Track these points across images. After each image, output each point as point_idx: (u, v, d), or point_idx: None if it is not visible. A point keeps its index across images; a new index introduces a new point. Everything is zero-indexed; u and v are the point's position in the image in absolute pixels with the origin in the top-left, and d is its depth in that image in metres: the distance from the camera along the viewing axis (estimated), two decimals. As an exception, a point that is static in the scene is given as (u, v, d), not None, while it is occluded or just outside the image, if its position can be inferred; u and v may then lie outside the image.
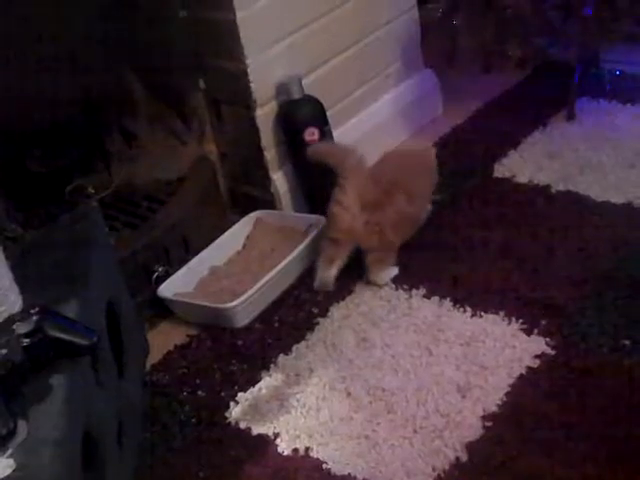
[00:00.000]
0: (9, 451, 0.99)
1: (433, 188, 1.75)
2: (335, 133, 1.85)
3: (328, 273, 1.60)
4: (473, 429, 1.28)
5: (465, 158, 1.97)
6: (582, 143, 1.94)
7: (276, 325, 1.57)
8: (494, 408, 1.31)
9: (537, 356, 1.39)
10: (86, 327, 1.14)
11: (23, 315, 1.10)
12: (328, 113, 1.83)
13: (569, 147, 1.93)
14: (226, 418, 1.39)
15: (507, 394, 1.33)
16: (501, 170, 1.90)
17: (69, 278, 1.28)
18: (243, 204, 1.88)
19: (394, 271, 1.63)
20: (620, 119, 1.99)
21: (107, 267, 1.42)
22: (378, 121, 2.01)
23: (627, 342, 1.37)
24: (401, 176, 1.65)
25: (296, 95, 1.78)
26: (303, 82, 1.79)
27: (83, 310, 1.23)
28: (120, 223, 1.77)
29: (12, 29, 1.61)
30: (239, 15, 1.68)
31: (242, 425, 1.37)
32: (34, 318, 1.09)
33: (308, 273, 1.67)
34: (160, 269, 1.65)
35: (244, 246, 1.78)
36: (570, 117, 2.04)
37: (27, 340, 1.07)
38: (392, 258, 1.63)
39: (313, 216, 1.76)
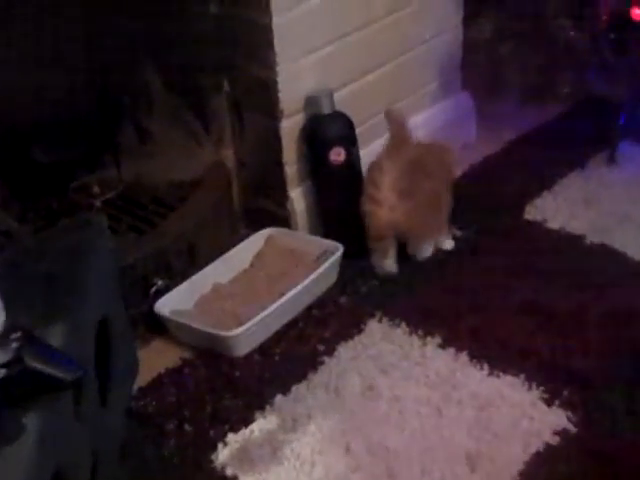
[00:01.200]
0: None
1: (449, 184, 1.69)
2: (361, 152, 1.73)
3: (387, 262, 1.60)
4: (481, 509, 1.17)
5: (495, 194, 1.85)
6: (622, 192, 1.82)
7: (277, 359, 1.46)
8: (505, 486, 1.20)
9: (557, 432, 1.27)
10: (70, 359, 1.03)
11: (2, 341, 0.99)
12: (357, 130, 1.71)
13: (608, 195, 1.81)
14: (212, 462, 1.27)
15: (520, 473, 1.22)
16: (532, 212, 1.78)
17: (60, 293, 1.17)
18: (256, 219, 1.76)
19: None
20: (666, 169, 1.87)
21: (105, 280, 1.30)
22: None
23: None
24: (422, 158, 1.62)
25: (326, 110, 1.66)
26: (334, 96, 1.67)
27: (71, 332, 1.11)
28: (124, 226, 1.66)
29: (29, 14, 1.50)
30: (275, 19, 1.56)
31: (229, 472, 1.26)
32: (14, 345, 0.98)
33: (316, 304, 1.56)
34: (160, 282, 1.54)
35: (252, 265, 1.67)
36: (611, 161, 1.92)
37: (3, 371, 0.96)
38: (430, 233, 1.64)
39: (329, 242, 1.65)
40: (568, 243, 1.68)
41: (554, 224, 1.74)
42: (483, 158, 1.98)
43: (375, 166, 1.60)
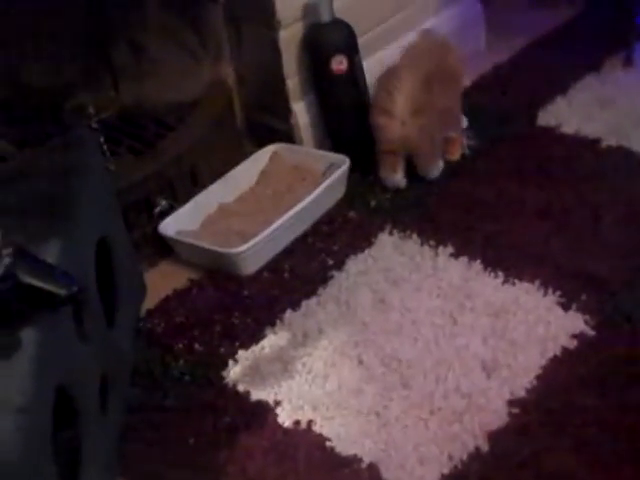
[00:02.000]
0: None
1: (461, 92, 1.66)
2: (364, 63, 1.67)
3: (396, 177, 1.56)
4: (497, 415, 1.14)
5: (506, 101, 1.79)
6: (639, 92, 1.74)
7: (286, 276, 1.42)
8: (522, 393, 1.17)
9: (574, 336, 1.24)
10: (66, 274, 1.00)
11: (-7, 256, 0.95)
12: (359, 40, 1.64)
13: (624, 96, 1.74)
14: (223, 378, 1.25)
15: (538, 377, 1.19)
16: (546, 118, 1.71)
17: (54, 211, 1.13)
18: (259, 135, 1.71)
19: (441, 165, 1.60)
20: (684, 68, 1.80)
21: (101, 199, 1.27)
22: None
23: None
24: (433, 67, 1.55)
25: (325, 18, 1.59)
26: (334, 4, 1.60)
27: (67, 249, 1.08)
28: (124, 148, 1.62)
29: None
30: None
31: (240, 388, 1.23)
32: (6, 261, 0.95)
33: (324, 219, 1.52)
34: (163, 203, 1.50)
35: (257, 182, 1.63)
36: (628, 62, 1.84)
37: (-5, 286, 0.93)
38: (439, 151, 1.59)
39: (335, 155, 1.59)
40: (583, 147, 1.62)
41: (568, 129, 1.67)
42: (493, 66, 1.90)
43: (391, 75, 1.52)
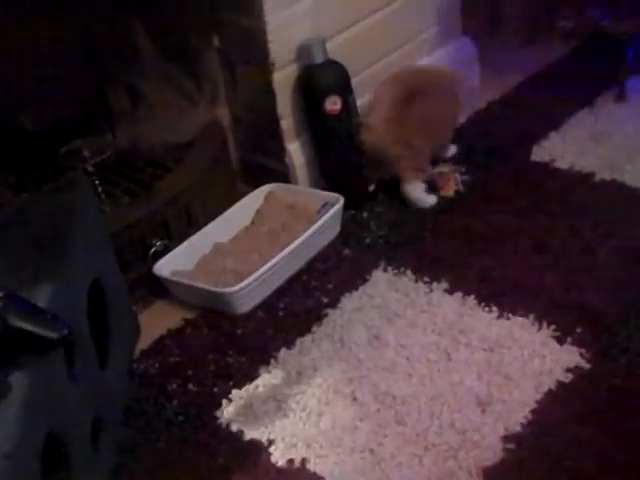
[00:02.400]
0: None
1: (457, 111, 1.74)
2: (359, 102, 1.68)
3: (420, 196, 1.62)
4: (492, 451, 1.13)
5: (500, 137, 1.80)
6: (632, 126, 1.75)
7: (280, 314, 1.42)
8: (517, 428, 1.16)
9: (569, 369, 1.23)
10: (56, 317, 1.00)
11: (-18, 301, 0.96)
12: (353, 81, 1.66)
13: (617, 130, 1.75)
14: (217, 418, 1.24)
15: (533, 412, 1.18)
16: (540, 153, 1.72)
17: (46, 254, 1.14)
18: (255, 176, 1.72)
19: (430, 199, 1.62)
20: (676, 102, 1.81)
21: (94, 241, 1.28)
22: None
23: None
24: (421, 81, 1.66)
25: (318, 59, 1.60)
26: (327, 45, 1.62)
27: (59, 292, 1.09)
28: (119, 190, 1.63)
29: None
30: (259, -34, 1.51)
31: (234, 427, 1.23)
32: (-6, 303, 0.95)
33: (319, 257, 1.52)
34: (158, 244, 1.51)
35: (253, 222, 1.63)
36: (620, 97, 1.85)
37: (-17, 330, 0.93)
38: (423, 168, 1.62)
39: (329, 194, 1.60)
40: (577, 181, 1.63)
41: (563, 164, 1.68)
42: (487, 103, 1.93)
43: (372, 94, 1.63)
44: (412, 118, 1.58)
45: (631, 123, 1.77)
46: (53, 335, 0.97)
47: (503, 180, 1.66)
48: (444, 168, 1.68)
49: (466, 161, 1.70)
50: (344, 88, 1.63)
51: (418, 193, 1.61)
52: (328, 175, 1.67)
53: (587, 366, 1.23)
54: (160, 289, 1.50)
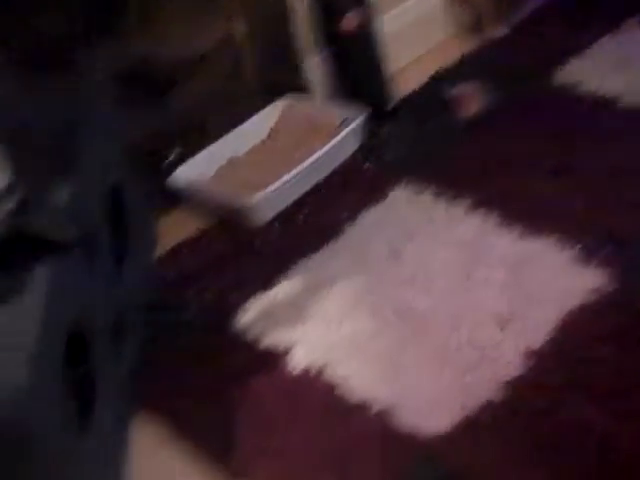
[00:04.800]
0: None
1: None
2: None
3: None
4: (511, 367, 1.12)
5: (523, 61, 1.75)
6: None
7: (298, 227, 1.40)
8: (538, 345, 1.15)
9: (593, 290, 1.21)
10: (67, 221, 0.98)
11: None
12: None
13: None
14: (236, 324, 1.23)
15: (554, 330, 1.17)
16: (563, 77, 1.68)
17: (65, 158, 1.11)
18: (271, 91, 1.68)
19: None
20: None
21: (109, 149, 1.25)
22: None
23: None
24: None
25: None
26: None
27: (75, 196, 1.06)
28: (134, 101, 1.58)
29: None
30: None
31: (253, 333, 1.22)
32: (6, 208, 0.93)
33: (338, 171, 1.49)
34: (174, 153, 1.48)
35: (269, 136, 1.60)
36: None
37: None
38: None
39: (351, 108, 1.57)
40: (602, 105, 1.59)
41: (586, 87, 1.64)
42: (510, 28, 1.87)
43: None
44: None
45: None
46: (64, 237, 0.95)
47: (525, 103, 1.63)
48: (466, 87, 1.64)
49: (488, 83, 1.66)
50: (362, 3, 1.57)
51: None
52: (349, 88, 1.62)
53: (611, 288, 1.22)
54: (177, 199, 1.47)
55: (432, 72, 1.73)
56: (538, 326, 1.17)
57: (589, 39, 1.78)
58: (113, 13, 1.68)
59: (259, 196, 1.38)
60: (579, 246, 1.28)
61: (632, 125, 1.53)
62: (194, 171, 1.49)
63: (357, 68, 1.61)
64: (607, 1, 1.88)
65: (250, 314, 1.25)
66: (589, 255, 1.27)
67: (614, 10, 1.85)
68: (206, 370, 1.17)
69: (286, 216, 1.42)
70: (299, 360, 1.17)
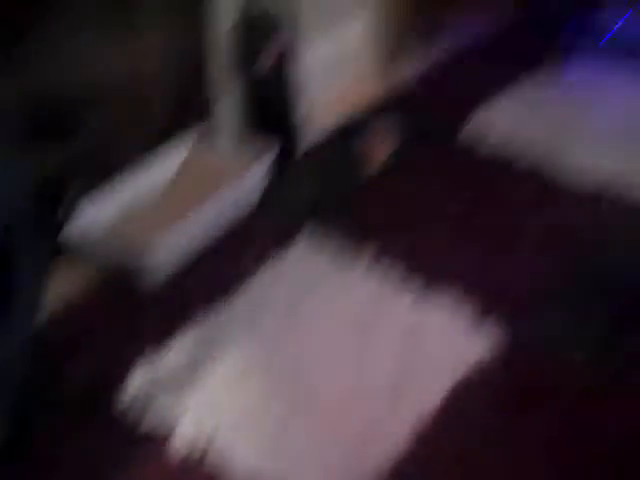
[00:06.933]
0: None
1: None
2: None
3: None
4: (402, 440, 1.11)
5: (435, 106, 1.76)
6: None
7: (193, 283, 1.36)
8: (426, 417, 1.14)
9: (480, 360, 1.21)
10: None
11: None
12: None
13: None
14: (118, 396, 1.18)
15: (443, 401, 1.16)
16: (472, 129, 1.69)
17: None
18: (179, 129, 1.64)
19: None
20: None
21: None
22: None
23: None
24: None
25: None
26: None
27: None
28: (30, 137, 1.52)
29: None
30: None
31: (135, 408, 1.17)
32: None
33: (238, 224, 1.46)
34: (73, 187, 1.42)
35: (174, 176, 1.55)
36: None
37: None
38: None
39: (257, 150, 1.53)
40: (502, 164, 1.60)
41: (494, 140, 1.65)
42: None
43: None
44: None
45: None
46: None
47: (433, 155, 1.63)
48: (374, 137, 1.63)
49: (397, 130, 1.65)
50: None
51: None
52: (259, 131, 1.59)
53: (500, 354, 1.22)
54: (68, 249, 1.41)
55: (346, 112, 1.72)
56: (428, 398, 1.17)
57: (502, 83, 1.78)
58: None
59: (154, 251, 1.34)
60: (470, 309, 1.28)
61: (532, 185, 1.55)
62: (89, 217, 1.43)
63: (269, 109, 1.59)
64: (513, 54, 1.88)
65: (134, 386, 1.19)
66: (480, 320, 1.27)
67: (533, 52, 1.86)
68: (84, 456, 1.12)
69: (180, 272, 1.37)
70: (182, 441, 1.12)
